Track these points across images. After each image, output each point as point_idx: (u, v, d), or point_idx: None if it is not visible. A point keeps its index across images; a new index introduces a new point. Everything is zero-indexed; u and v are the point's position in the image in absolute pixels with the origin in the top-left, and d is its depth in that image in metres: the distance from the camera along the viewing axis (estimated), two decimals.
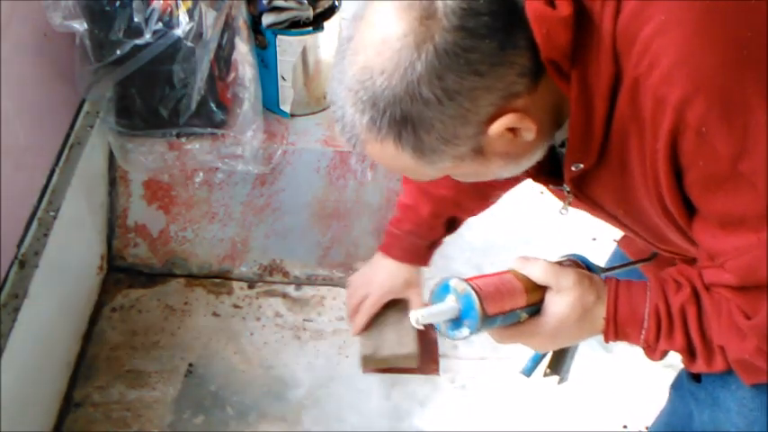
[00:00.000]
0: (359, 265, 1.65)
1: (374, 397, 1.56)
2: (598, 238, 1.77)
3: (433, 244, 1.42)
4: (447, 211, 1.35)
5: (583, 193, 0.98)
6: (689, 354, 0.94)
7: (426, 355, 1.58)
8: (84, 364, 1.59)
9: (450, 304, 0.90)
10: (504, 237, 1.84)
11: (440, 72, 0.79)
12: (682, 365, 1.01)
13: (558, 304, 0.96)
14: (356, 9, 0.84)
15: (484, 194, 1.29)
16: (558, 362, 1.12)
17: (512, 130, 0.84)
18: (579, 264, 1.03)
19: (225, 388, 1.57)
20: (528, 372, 1.14)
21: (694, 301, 0.92)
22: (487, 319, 0.91)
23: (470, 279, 0.93)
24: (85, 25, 1.44)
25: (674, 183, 0.85)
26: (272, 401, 1.55)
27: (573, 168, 0.92)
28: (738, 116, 0.78)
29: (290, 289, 1.74)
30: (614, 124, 0.86)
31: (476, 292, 0.89)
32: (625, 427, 1.51)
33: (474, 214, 1.37)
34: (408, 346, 1.50)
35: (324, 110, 1.75)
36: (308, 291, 1.74)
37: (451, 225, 1.38)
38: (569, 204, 1.03)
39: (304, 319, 1.68)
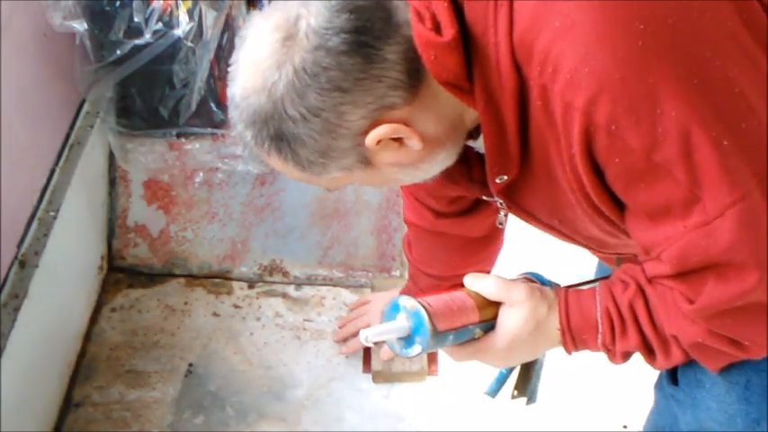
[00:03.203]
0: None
1: (374, 397, 1.56)
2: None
3: None
4: (445, 285, 1.32)
5: (515, 204, 0.98)
6: (646, 350, 0.94)
7: (426, 355, 1.59)
8: (84, 364, 1.59)
9: (400, 323, 0.91)
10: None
11: (300, 91, 0.81)
12: None
13: (512, 318, 0.96)
14: (242, 30, 0.87)
15: (483, 255, 1.36)
16: (524, 382, 1.11)
17: (396, 140, 0.86)
18: (533, 280, 1.03)
19: (225, 388, 1.57)
20: (492, 392, 1.12)
21: (641, 295, 0.92)
22: (438, 335, 0.91)
23: (420, 296, 0.93)
24: (85, 25, 1.44)
25: (597, 182, 0.85)
26: (271, 401, 1.55)
27: (498, 181, 0.92)
28: (645, 108, 0.78)
29: (290, 289, 1.74)
30: (532, 134, 0.86)
31: (425, 308, 0.90)
32: (625, 427, 1.51)
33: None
34: (419, 362, 1.57)
35: None
36: (307, 291, 1.74)
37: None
38: (505, 216, 1.05)
39: (304, 319, 1.68)
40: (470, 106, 0.86)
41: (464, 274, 1.02)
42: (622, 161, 0.81)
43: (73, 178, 1.53)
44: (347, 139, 0.84)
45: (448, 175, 0.98)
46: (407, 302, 0.91)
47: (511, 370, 1.12)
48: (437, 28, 0.81)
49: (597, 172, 0.84)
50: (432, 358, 1.60)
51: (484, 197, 1.02)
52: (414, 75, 0.83)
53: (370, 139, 0.84)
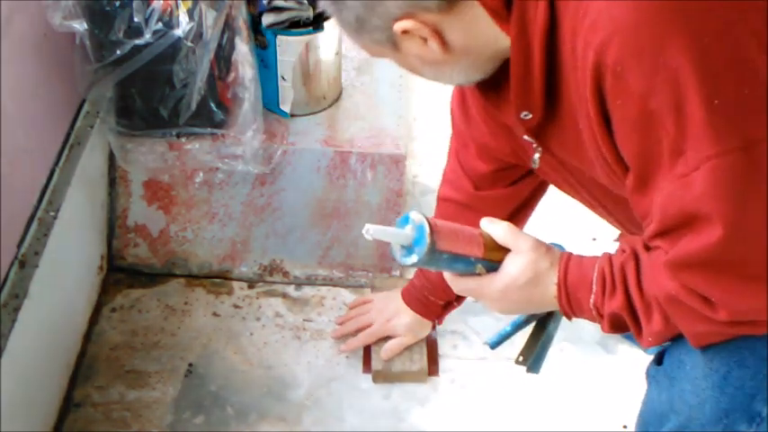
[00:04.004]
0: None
1: (374, 397, 1.56)
2: (598, 238, 1.77)
3: (449, 305, 1.52)
4: None
5: (549, 148, 1.04)
6: (630, 314, 0.96)
7: (426, 355, 1.59)
8: (84, 364, 1.59)
9: (404, 231, 0.97)
10: None
11: None
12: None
13: (513, 264, 1.01)
14: None
15: None
16: (530, 349, 1.16)
17: (423, 38, 0.93)
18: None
19: (225, 388, 1.57)
20: (492, 343, 1.20)
21: (633, 259, 0.96)
22: (435, 253, 0.96)
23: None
24: (85, 25, 1.44)
25: (606, 134, 0.89)
26: (272, 401, 1.55)
27: (522, 117, 0.98)
28: (649, 55, 0.82)
29: (290, 289, 1.74)
30: (561, 79, 0.92)
31: (429, 224, 0.96)
32: (625, 427, 1.51)
33: None
34: (419, 362, 1.58)
35: (324, 110, 1.75)
36: (307, 291, 1.74)
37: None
38: (539, 161, 1.09)
39: (304, 319, 1.68)
40: (505, 33, 0.92)
41: None
42: (623, 104, 0.85)
43: (73, 178, 1.53)
44: (380, 18, 0.92)
45: (494, 104, 1.05)
46: (416, 216, 0.97)
47: (516, 329, 1.18)
48: None
49: (606, 122, 0.88)
50: (432, 358, 1.60)
51: (524, 137, 1.06)
52: None
53: (397, 26, 0.92)
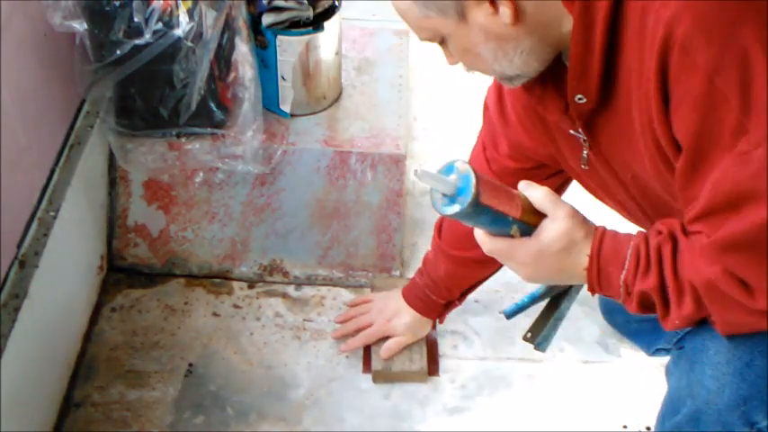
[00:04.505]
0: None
1: (374, 397, 1.56)
2: None
3: (450, 304, 1.54)
4: (463, 272, 1.46)
5: (596, 142, 1.02)
6: (661, 295, 0.96)
7: (426, 355, 1.59)
8: (84, 364, 1.59)
9: (449, 179, 0.94)
10: None
11: None
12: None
13: (548, 230, 0.99)
14: None
15: None
16: (540, 326, 1.15)
17: (492, 4, 0.90)
18: None
19: (225, 388, 1.57)
20: (509, 313, 1.18)
21: (670, 240, 0.95)
22: (478, 207, 0.93)
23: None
24: (85, 25, 1.44)
25: (663, 111, 0.89)
26: (272, 401, 1.55)
27: (576, 100, 0.96)
28: (719, 32, 0.83)
29: (290, 289, 1.74)
30: (621, 64, 0.91)
31: (476, 175, 0.93)
32: (625, 427, 1.51)
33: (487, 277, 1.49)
34: (419, 362, 1.58)
35: (324, 110, 1.75)
36: (307, 291, 1.74)
37: (468, 290, 1.51)
38: (587, 159, 1.06)
39: (304, 319, 1.68)
40: (568, 10, 0.91)
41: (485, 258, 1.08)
42: (687, 80, 0.85)
43: (73, 178, 1.53)
44: None
45: (538, 99, 1.03)
46: (462, 166, 0.94)
47: (532, 301, 1.16)
48: None
49: (665, 99, 0.88)
50: (432, 358, 1.60)
51: (570, 131, 1.05)
52: None
53: None
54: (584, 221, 1.01)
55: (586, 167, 1.09)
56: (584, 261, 1.00)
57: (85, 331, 1.63)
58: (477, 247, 1.08)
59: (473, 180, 0.92)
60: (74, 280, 1.61)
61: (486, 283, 1.71)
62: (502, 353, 1.63)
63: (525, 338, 1.17)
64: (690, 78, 0.85)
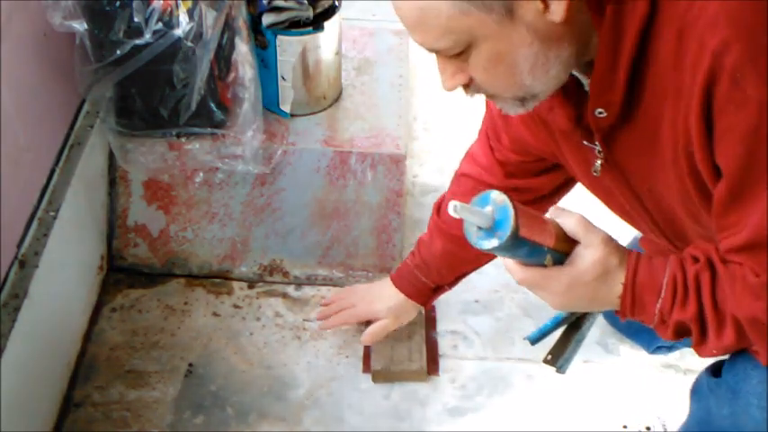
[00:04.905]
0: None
1: (374, 397, 1.56)
2: None
3: (439, 288, 1.51)
4: (461, 254, 1.42)
5: (612, 154, 0.98)
6: (700, 326, 0.93)
7: (426, 355, 1.59)
8: (84, 364, 1.59)
9: (486, 211, 0.90)
10: None
11: None
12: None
13: (583, 258, 0.96)
14: None
15: None
16: (561, 349, 1.13)
17: (544, 2, 0.83)
18: None
19: (225, 388, 1.57)
20: (533, 339, 1.15)
21: (708, 269, 0.93)
22: (517, 240, 0.89)
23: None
24: (85, 25, 1.44)
25: (705, 140, 0.85)
26: (272, 401, 1.55)
27: (596, 114, 0.92)
28: None
29: (290, 289, 1.74)
30: (649, 80, 0.87)
31: (514, 206, 0.89)
32: (625, 427, 1.51)
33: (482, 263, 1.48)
34: (418, 361, 1.58)
35: (324, 110, 1.75)
36: (307, 291, 1.74)
37: (461, 276, 1.49)
38: (599, 169, 1.02)
39: (304, 319, 1.68)
40: (595, 25, 0.86)
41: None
42: (736, 112, 0.81)
43: (73, 178, 1.53)
44: None
45: (548, 107, 0.99)
46: (498, 197, 0.90)
47: (556, 325, 1.13)
48: None
49: (708, 126, 0.84)
50: (431, 358, 1.60)
51: (584, 142, 1.00)
52: None
53: None
54: (617, 248, 0.97)
55: (597, 175, 1.06)
56: (619, 289, 0.97)
57: (85, 331, 1.63)
58: None
59: (511, 212, 0.88)
60: (74, 280, 1.61)
61: (486, 283, 1.72)
62: (502, 353, 1.63)
63: (546, 361, 1.15)
64: (739, 110, 0.81)
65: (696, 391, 1.13)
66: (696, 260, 0.94)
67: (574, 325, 1.14)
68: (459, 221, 1.25)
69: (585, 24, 0.88)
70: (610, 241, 0.97)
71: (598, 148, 1.00)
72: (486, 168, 1.34)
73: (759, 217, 0.85)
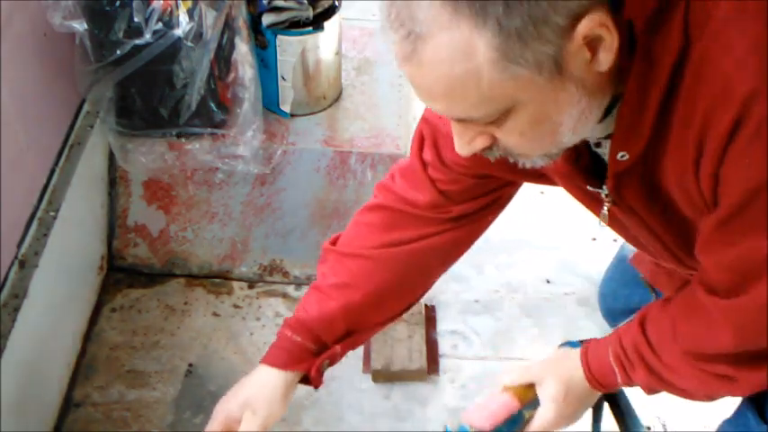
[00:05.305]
0: None
1: (374, 397, 1.56)
2: (598, 239, 1.77)
3: (323, 349, 1.13)
4: (358, 306, 1.12)
5: (623, 199, 0.92)
6: (660, 381, 1.00)
7: (426, 355, 1.59)
8: (84, 364, 1.59)
9: None
10: (504, 237, 1.84)
11: None
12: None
13: (546, 392, 1.06)
14: None
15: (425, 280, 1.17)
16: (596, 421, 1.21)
17: (590, 48, 0.72)
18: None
19: (225, 388, 1.55)
20: None
21: (641, 333, 0.99)
22: None
23: (466, 414, 1.10)
24: (85, 25, 1.44)
25: (713, 181, 0.81)
26: None
27: (619, 158, 0.84)
28: None
29: (290, 289, 1.74)
30: (674, 113, 0.80)
31: (469, 425, 1.06)
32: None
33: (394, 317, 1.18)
34: (418, 361, 1.58)
35: (324, 110, 1.75)
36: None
37: (353, 332, 1.14)
38: (607, 215, 0.97)
39: None
40: (624, 63, 0.76)
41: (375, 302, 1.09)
42: (750, 165, 0.77)
43: (73, 178, 1.53)
44: (562, 15, 0.69)
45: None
46: (453, 427, 1.07)
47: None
48: None
49: (718, 167, 0.79)
50: (431, 358, 1.60)
51: (588, 187, 0.94)
52: None
53: (585, 25, 0.70)
54: (562, 358, 1.07)
55: (605, 220, 1.00)
56: (588, 385, 1.06)
57: (85, 331, 1.63)
58: (409, 227, 1.07)
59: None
60: (74, 280, 1.61)
61: (486, 283, 1.72)
62: (502, 353, 1.63)
63: None
64: (754, 163, 0.76)
65: (741, 426, 1.12)
66: (628, 326, 1.02)
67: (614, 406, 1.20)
68: (376, 233, 1.13)
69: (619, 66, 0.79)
70: (551, 361, 1.08)
71: (605, 192, 0.92)
72: (414, 185, 1.10)
73: (743, 249, 0.84)
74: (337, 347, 1.14)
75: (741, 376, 0.93)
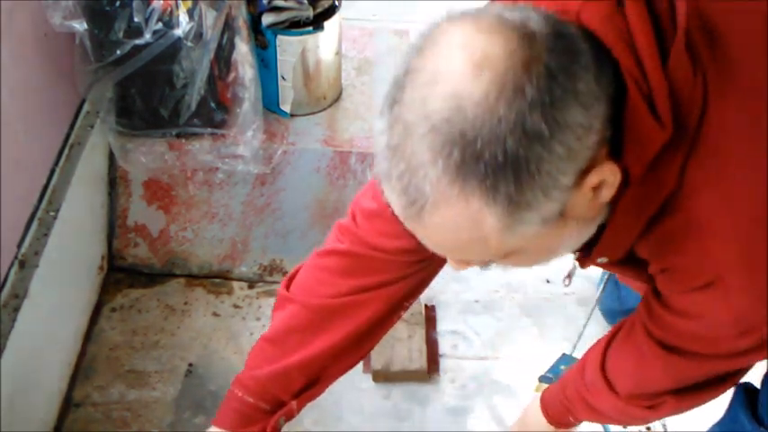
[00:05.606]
0: None
1: (374, 397, 1.56)
2: None
3: (278, 407, 1.10)
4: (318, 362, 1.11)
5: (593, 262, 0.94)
6: (602, 417, 1.12)
7: (426, 355, 1.59)
8: (84, 364, 1.59)
9: None
10: None
11: (553, 98, 0.65)
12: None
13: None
14: (417, 40, 0.71)
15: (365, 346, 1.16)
16: None
17: (594, 190, 0.72)
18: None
19: (225, 388, 1.55)
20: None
21: (581, 377, 1.09)
22: None
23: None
24: (85, 25, 1.44)
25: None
26: None
27: (598, 261, 0.88)
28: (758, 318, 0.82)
29: None
30: (656, 235, 0.81)
31: None
32: (625, 427, 1.51)
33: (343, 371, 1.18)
34: (418, 361, 1.58)
35: (324, 110, 1.75)
36: None
37: (311, 384, 1.12)
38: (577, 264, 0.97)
39: None
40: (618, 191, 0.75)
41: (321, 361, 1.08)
42: (702, 304, 0.85)
43: (73, 178, 1.53)
44: (571, 174, 0.69)
45: None
46: None
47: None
48: (653, 110, 0.71)
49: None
50: (431, 358, 1.60)
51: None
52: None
53: (593, 179, 0.70)
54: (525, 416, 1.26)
55: (570, 277, 1.12)
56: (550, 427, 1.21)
57: (85, 331, 1.63)
58: (378, 273, 1.02)
59: None
60: (74, 280, 1.61)
61: (486, 283, 1.71)
62: (502, 353, 1.63)
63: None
64: (714, 310, 0.84)
65: (735, 425, 1.14)
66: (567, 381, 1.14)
67: None
68: (338, 279, 1.07)
69: None
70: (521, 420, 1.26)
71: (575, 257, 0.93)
72: (383, 231, 1.03)
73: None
74: (293, 403, 1.10)
75: (672, 403, 1.01)
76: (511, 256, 0.76)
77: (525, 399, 1.56)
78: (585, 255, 0.86)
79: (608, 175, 0.71)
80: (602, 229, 0.81)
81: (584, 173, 0.69)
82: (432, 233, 0.72)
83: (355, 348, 1.12)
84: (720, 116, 0.74)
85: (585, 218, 0.76)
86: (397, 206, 0.71)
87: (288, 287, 1.11)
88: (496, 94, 0.65)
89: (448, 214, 0.69)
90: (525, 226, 0.70)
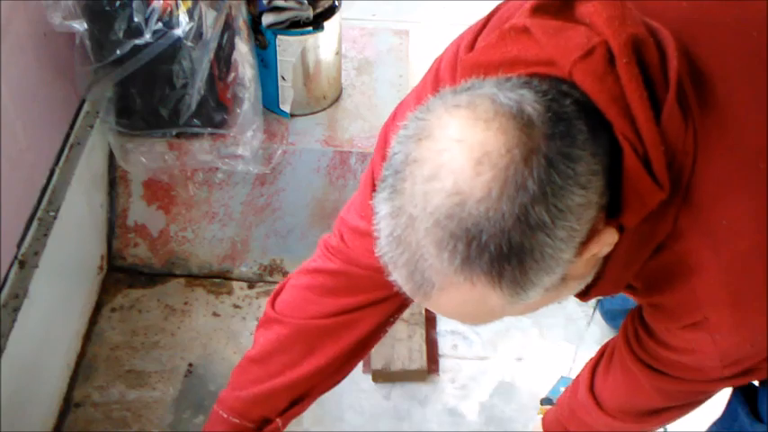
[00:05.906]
0: None
1: (374, 397, 1.56)
2: None
3: (263, 424, 1.13)
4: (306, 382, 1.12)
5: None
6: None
7: (426, 355, 1.59)
8: (84, 364, 1.59)
9: None
10: None
11: (554, 187, 0.66)
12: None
13: None
14: (412, 129, 0.70)
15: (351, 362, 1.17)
16: None
17: (585, 247, 0.73)
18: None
19: (224, 388, 1.56)
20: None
21: (573, 396, 1.16)
22: None
23: None
24: (85, 25, 1.44)
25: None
26: None
27: (593, 300, 1.02)
28: (747, 361, 0.88)
29: None
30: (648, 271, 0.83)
31: None
32: None
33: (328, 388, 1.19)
34: (418, 361, 1.58)
35: (324, 110, 1.75)
36: None
37: (297, 402, 1.13)
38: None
39: None
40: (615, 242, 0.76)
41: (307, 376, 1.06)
42: (699, 350, 0.88)
43: (73, 178, 1.53)
44: (572, 249, 0.70)
45: None
46: None
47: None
48: (650, 169, 0.71)
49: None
50: (431, 357, 1.60)
51: None
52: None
53: (593, 248, 0.72)
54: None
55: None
56: None
57: (85, 331, 1.63)
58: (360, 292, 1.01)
59: None
60: (74, 280, 1.61)
61: None
62: (502, 353, 1.63)
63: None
64: (701, 347, 0.87)
65: (734, 424, 1.15)
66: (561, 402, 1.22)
67: None
68: (322, 303, 1.07)
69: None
70: None
71: None
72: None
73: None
74: (278, 421, 1.12)
75: (666, 415, 1.07)
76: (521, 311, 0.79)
77: (525, 399, 1.56)
78: (584, 295, 0.87)
79: (607, 239, 0.73)
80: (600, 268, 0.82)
81: (584, 245, 0.71)
82: (440, 308, 0.74)
83: (343, 366, 1.14)
84: (708, 163, 0.75)
85: (585, 272, 0.77)
86: (404, 287, 0.73)
87: (273, 305, 1.11)
88: (498, 191, 0.66)
89: (454, 296, 0.71)
90: (529, 298, 0.72)
